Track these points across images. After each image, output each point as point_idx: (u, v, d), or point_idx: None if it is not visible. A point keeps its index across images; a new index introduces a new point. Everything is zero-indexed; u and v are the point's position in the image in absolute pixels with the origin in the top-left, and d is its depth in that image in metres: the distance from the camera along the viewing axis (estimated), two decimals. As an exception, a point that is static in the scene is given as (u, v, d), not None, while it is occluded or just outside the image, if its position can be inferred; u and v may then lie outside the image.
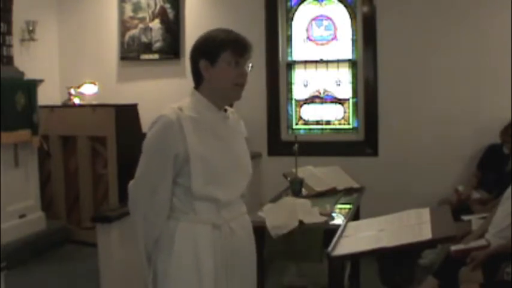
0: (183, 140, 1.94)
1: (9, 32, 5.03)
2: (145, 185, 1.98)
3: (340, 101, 5.51)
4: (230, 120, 2.11)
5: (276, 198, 3.44)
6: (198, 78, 2.03)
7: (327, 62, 5.49)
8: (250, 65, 2.05)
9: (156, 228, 2.00)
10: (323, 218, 2.97)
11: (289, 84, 5.58)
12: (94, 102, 5.61)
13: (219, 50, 1.97)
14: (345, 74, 5.47)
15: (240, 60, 1.99)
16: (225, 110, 2.10)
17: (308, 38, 5.55)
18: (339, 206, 3.40)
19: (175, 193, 2.00)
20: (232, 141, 2.09)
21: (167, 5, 5.71)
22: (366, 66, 5.33)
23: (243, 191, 2.11)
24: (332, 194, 3.62)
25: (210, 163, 1.96)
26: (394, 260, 2.36)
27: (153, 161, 1.97)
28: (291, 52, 5.58)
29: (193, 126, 1.96)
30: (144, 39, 5.78)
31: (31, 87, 4.88)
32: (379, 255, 2.40)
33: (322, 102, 5.55)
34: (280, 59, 5.54)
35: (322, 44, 5.53)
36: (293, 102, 5.59)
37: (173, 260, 1.97)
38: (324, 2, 5.50)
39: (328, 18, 5.50)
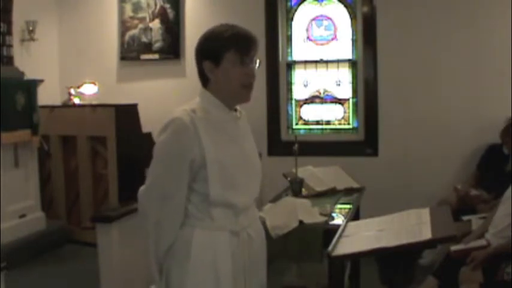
0: (199, 144, 1.84)
1: (9, 32, 5.04)
2: (159, 193, 1.88)
3: (340, 101, 5.51)
4: (241, 120, 2.01)
5: (276, 198, 3.44)
6: (204, 79, 1.94)
7: (327, 62, 5.49)
8: (258, 61, 1.95)
9: (170, 237, 1.90)
10: (323, 218, 2.97)
11: (289, 84, 5.58)
12: (94, 102, 5.61)
13: (222, 50, 1.87)
14: (345, 74, 5.47)
15: (245, 58, 1.89)
16: (235, 110, 2.00)
17: (308, 38, 5.55)
18: (339, 206, 3.38)
19: (190, 199, 1.90)
20: (244, 142, 2.00)
21: (167, 5, 5.71)
22: (366, 66, 5.33)
23: (257, 194, 2.02)
24: (332, 194, 3.61)
25: (226, 167, 1.87)
26: (394, 260, 2.36)
27: (167, 167, 1.86)
28: (291, 52, 5.58)
29: (207, 129, 1.86)
30: (144, 39, 5.78)
31: (31, 87, 4.88)
32: (379, 255, 2.40)
33: (322, 102, 5.54)
34: (280, 59, 5.54)
35: (322, 44, 5.53)
36: (293, 102, 5.59)
37: (190, 269, 1.88)
38: (324, 2, 5.50)
39: (328, 18, 5.50)
